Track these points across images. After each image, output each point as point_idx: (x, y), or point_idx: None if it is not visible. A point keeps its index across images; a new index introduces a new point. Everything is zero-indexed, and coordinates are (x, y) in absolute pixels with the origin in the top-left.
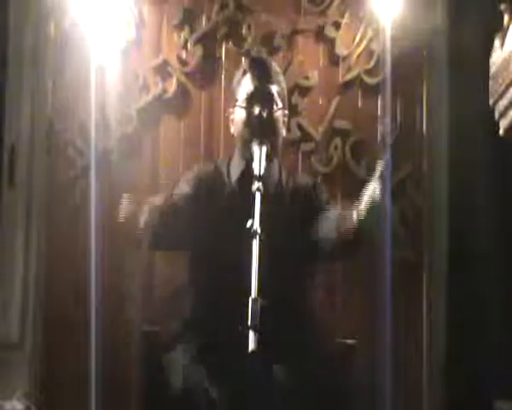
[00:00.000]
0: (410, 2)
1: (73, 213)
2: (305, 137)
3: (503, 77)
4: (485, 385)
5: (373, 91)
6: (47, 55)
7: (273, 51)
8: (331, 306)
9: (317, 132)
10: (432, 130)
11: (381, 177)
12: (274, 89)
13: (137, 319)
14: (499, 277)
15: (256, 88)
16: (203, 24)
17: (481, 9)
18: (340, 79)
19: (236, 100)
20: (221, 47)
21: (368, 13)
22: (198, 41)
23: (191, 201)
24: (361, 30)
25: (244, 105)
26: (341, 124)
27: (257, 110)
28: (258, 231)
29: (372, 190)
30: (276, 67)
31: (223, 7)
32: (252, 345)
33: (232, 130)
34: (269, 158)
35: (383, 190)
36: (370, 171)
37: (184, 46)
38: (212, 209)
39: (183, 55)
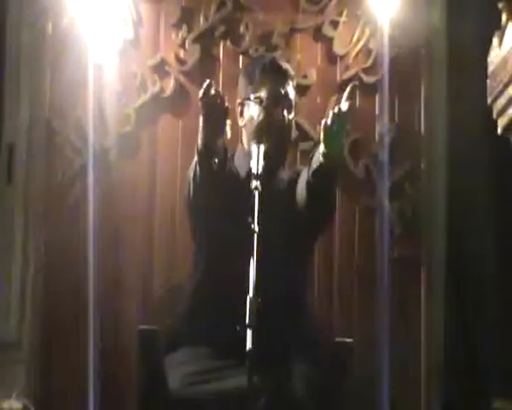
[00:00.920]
0: (408, 1)
1: (71, 212)
2: (303, 136)
3: (502, 76)
4: (484, 384)
5: (371, 90)
6: (44, 53)
7: (271, 50)
8: (329, 305)
9: (315, 131)
10: (430, 128)
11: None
12: (291, 93)
13: (136, 318)
14: (497, 275)
15: (276, 91)
16: (201, 23)
17: (479, 8)
18: (338, 78)
19: (249, 96)
20: (219, 46)
21: (366, 11)
22: (196, 40)
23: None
24: (359, 28)
25: (263, 105)
26: None
27: (276, 114)
28: (257, 229)
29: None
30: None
31: (220, 6)
32: (249, 344)
33: (240, 123)
34: (275, 159)
35: (381, 188)
36: (369, 170)
37: (182, 45)
38: (217, 204)
39: (181, 53)
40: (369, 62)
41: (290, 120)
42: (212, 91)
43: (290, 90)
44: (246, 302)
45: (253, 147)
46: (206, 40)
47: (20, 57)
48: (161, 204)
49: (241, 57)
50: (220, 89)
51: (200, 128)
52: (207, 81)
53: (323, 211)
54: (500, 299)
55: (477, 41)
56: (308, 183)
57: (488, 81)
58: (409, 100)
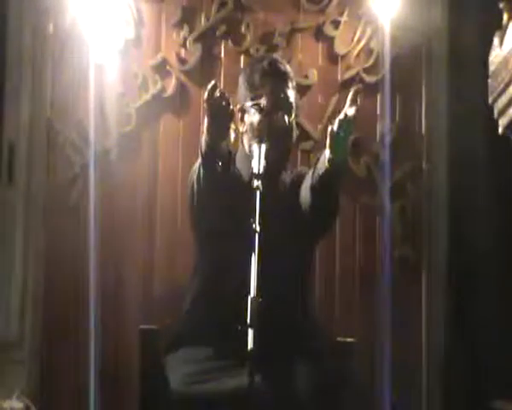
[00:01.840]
0: (410, 1)
1: (72, 212)
2: (304, 135)
3: (503, 75)
4: (485, 384)
5: (372, 90)
6: (46, 53)
7: (272, 50)
8: (330, 305)
9: (316, 131)
10: (431, 128)
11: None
12: (291, 95)
13: (137, 318)
14: (498, 275)
15: (276, 96)
16: (202, 23)
17: (480, 7)
18: (339, 78)
19: (249, 102)
20: (220, 46)
21: (367, 11)
22: (197, 40)
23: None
24: (360, 28)
25: (263, 112)
26: None
27: (277, 119)
28: (258, 229)
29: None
30: (287, 68)
31: (222, 5)
32: (251, 344)
33: (241, 128)
34: (277, 161)
35: (382, 187)
36: (370, 169)
37: (183, 45)
38: (220, 206)
39: (182, 53)
40: (371, 62)
41: (291, 123)
42: (217, 93)
43: (290, 92)
44: (247, 302)
45: (255, 147)
46: (207, 40)
47: (21, 57)
48: (162, 204)
49: (242, 57)
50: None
51: (205, 130)
52: (212, 82)
53: (327, 215)
54: (501, 299)
55: (478, 41)
56: (313, 187)
57: (489, 81)
58: (410, 100)
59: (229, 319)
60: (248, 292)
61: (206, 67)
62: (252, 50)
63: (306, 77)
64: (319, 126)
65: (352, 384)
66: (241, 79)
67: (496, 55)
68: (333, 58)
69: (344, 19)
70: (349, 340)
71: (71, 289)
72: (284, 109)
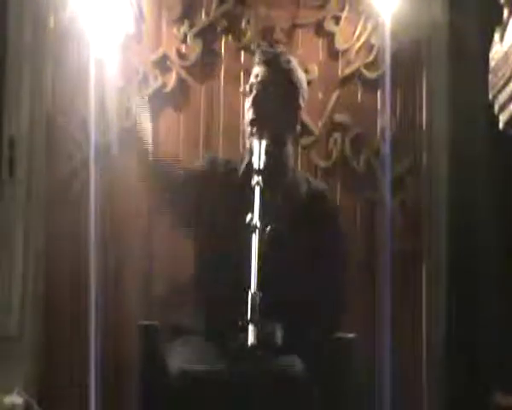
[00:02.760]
0: None
1: (73, 207)
2: (305, 131)
3: (503, 71)
4: (485, 378)
5: (373, 85)
6: (46, 48)
7: (272, 45)
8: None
9: (317, 127)
10: (431, 123)
11: None
12: (286, 83)
13: (137, 313)
14: (499, 269)
15: (264, 82)
16: (202, 18)
17: (481, 3)
18: (340, 73)
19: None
20: (220, 41)
21: (367, 6)
22: (197, 35)
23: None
24: (361, 24)
25: (253, 93)
26: (341, 118)
27: (265, 106)
28: (258, 225)
29: None
30: (288, 62)
31: (222, 1)
32: (251, 339)
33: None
34: (274, 153)
35: (383, 182)
36: (370, 164)
37: (184, 40)
38: (220, 201)
39: (183, 49)
40: (371, 57)
41: (286, 113)
42: None
43: (284, 80)
44: (247, 298)
45: (255, 143)
46: (207, 35)
47: (21, 51)
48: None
49: (242, 52)
50: (221, 84)
51: None
52: None
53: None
54: (502, 293)
55: (478, 36)
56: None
57: (489, 76)
58: (410, 95)
59: (228, 313)
60: (248, 287)
61: (206, 63)
62: (252, 46)
63: (307, 72)
64: (319, 122)
65: (352, 379)
66: None
67: (496, 50)
68: (333, 54)
69: (344, 14)
70: (349, 335)
71: (71, 285)
72: (273, 96)
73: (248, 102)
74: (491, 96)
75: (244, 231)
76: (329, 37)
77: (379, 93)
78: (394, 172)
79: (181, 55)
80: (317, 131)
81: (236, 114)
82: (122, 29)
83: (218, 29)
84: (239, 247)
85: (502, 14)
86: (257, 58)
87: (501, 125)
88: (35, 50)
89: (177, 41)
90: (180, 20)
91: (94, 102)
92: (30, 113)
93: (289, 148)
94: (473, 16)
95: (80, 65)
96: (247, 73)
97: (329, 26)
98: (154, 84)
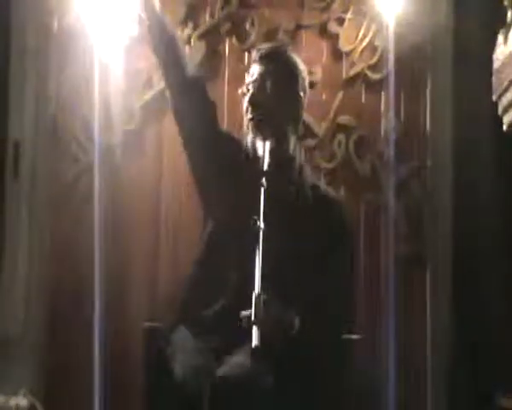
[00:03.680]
0: None
1: (77, 210)
2: (309, 132)
3: (507, 72)
4: (488, 381)
5: (377, 87)
6: (50, 51)
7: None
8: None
9: (321, 128)
10: (436, 125)
11: None
12: (286, 86)
13: (142, 315)
14: (502, 273)
15: (262, 78)
16: (206, 20)
17: (485, 5)
18: (344, 75)
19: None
20: (224, 43)
21: (371, 8)
22: (201, 37)
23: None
24: (364, 25)
25: (250, 91)
26: (345, 120)
27: (262, 98)
28: (262, 226)
29: None
30: (292, 55)
31: (226, 3)
32: (255, 341)
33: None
34: (276, 151)
35: (387, 185)
36: (374, 167)
37: (188, 42)
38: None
39: (187, 51)
40: (375, 59)
41: (286, 106)
42: None
43: (280, 72)
44: (251, 299)
45: (259, 143)
46: (211, 37)
47: (25, 55)
48: (167, 201)
49: (246, 54)
50: (225, 85)
51: None
52: None
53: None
54: (505, 296)
55: (483, 38)
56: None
57: (493, 78)
58: (414, 97)
59: (234, 314)
60: (253, 288)
61: (210, 65)
62: (256, 48)
63: (311, 74)
64: (323, 124)
65: (356, 382)
66: None
67: (500, 52)
68: (337, 55)
69: (348, 16)
70: (353, 337)
71: (75, 286)
72: (269, 96)
73: (245, 102)
74: (494, 98)
75: (248, 231)
76: (333, 38)
77: (383, 95)
78: (398, 174)
79: None
80: (320, 133)
81: (240, 115)
82: (126, 32)
83: (222, 31)
84: (244, 246)
85: (505, 15)
86: (253, 58)
87: (505, 127)
88: (39, 53)
89: (181, 43)
90: (184, 22)
91: (98, 104)
92: (34, 116)
93: (292, 144)
94: (477, 18)
95: (84, 68)
96: None
97: (333, 27)
98: (158, 87)
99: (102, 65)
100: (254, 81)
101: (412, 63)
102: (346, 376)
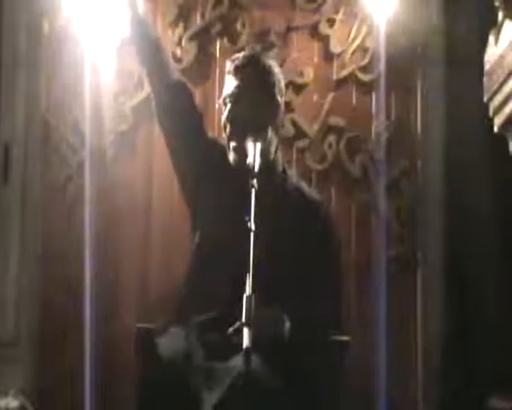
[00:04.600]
0: None
1: (68, 211)
2: (300, 133)
3: (498, 74)
4: (481, 383)
5: (367, 88)
6: (41, 53)
7: (267, 48)
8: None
9: (312, 129)
10: (427, 126)
11: None
12: (263, 87)
13: (134, 316)
14: (494, 274)
15: (238, 91)
16: (197, 21)
17: (476, 6)
18: (335, 76)
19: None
20: (215, 44)
21: (362, 9)
22: (192, 38)
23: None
24: (355, 27)
25: (228, 107)
26: (336, 121)
27: (239, 112)
28: (253, 227)
29: None
30: (265, 60)
31: (217, 3)
32: (246, 342)
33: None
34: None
35: (377, 186)
36: (365, 168)
37: (179, 43)
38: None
39: (178, 52)
40: (366, 61)
41: (264, 118)
42: None
43: (255, 84)
44: (242, 300)
45: (250, 144)
46: (202, 38)
47: (16, 56)
48: (158, 203)
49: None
50: (216, 87)
51: None
52: None
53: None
54: (497, 298)
55: (473, 39)
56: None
57: (484, 79)
58: (405, 98)
59: (224, 314)
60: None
61: (201, 66)
62: (247, 49)
63: (302, 75)
64: (315, 125)
65: (347, 383)
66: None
67: (491, 53)
68: (328, 56)
69: (339, 17)
70: (344, 338)
71: (67, 288)
72: (249, 102)
73: (223, 117)
74: (485, 99)
75: (239, 231)
76: (324, 40)
77: (374, 96)
78: (389, 175)
79: (176, 58)
80: (311, 134)
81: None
82: (117, 33)
83: (213, 32)
84: (234, 247)
85: (496, 16)
86: (227, 69)
87: (496, 128)
88: (30, 55)
89: (172, 44)
90: (175, 23)
91: (89, 106)
92: (25, 117)
93: (274, 147)
94: (467, 19)
95: (75, 69)
96: None
97: (324, 28)
98: (149, 88)
99: (93, 66)
100: (230, 95)
101: (403, 64)
102: (335, 377)
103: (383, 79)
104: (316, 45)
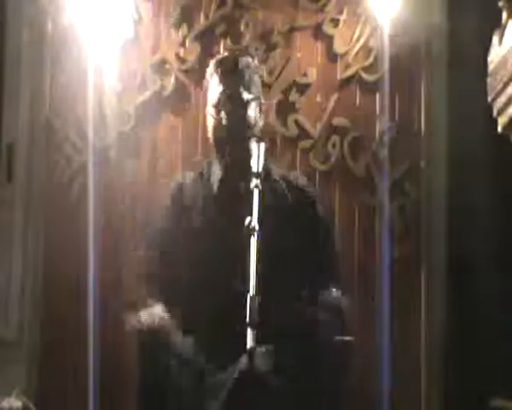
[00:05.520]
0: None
1: (71, 211)
2: (303, 134)
3: (502, 74)
4: (483, 383)
5: (371, 88)
6: (44, 52)
7: (271, 48)
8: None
9: (315, 130)
10: (430, 127)
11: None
12: (243, 89)
13: (136, 317)
14: (498, 274)
15: (222, 93)
16: (201, 21)
17: (479, 6)
18: (338, 77)
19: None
20: (219, 44)
21: (366, 9)
22: (196, 38)
23: (173, 216)
24: (359, 27)
25: (213, 112)
26: (339, 121)
27: (224, 117)
28: (257, 228)
29: None
30: (243, 60)
31: (220, 4)
32: (250, 342)
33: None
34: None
35: (381, 187)
36: (369, 168)
37: (182, 44)
38: (198, 216)
39: (181, 52)
40: (370, 61)
41: (249, 116)
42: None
43: (246, 88)
44: (246, 301)
45: (253, 145)
46: (206, 38)
47: (19, 56)
48: (161, 202)
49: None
50: None
51: None
52: None
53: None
54: (500, 297)
55: (477, 39)
56: None
57: (488, 80)
58: (409, 98)
59: (227, 317)
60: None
61: (204, 66)
62: (250, 49)
63: (305, 75)
64: (318, 125)
65: (350, 383)
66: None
67: (495, 53)
68: (332, 57)
69: (343, 17)
70: (348, 339)
71: (70, 288)
72: (236, 107)
73: (210, 125)
74: (489, 100)
75: (234, 239)
76: (328, 40)
77: (377, 96)
78: (393, 176)
79: (179, 59)
80: (315, 135)
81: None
82: (120, 33)
83: (217, 32)
84: (228, 254)
85: (500, 17)
86: (210, 71)
87: (499, 129)
88: (33, 55)
89: (175, 44)
90: (179, 24)
91: (92, 106)
92: (28, 117)
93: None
94: (471, 19)
95: (79, 69)
96: None
97: (328, 29)
98: (153, 88)
99: (97, 66)
100: (216, 105)
101: (407, 64)
102: (340, 375)
103: (387, 80)
104: (319, 45)
